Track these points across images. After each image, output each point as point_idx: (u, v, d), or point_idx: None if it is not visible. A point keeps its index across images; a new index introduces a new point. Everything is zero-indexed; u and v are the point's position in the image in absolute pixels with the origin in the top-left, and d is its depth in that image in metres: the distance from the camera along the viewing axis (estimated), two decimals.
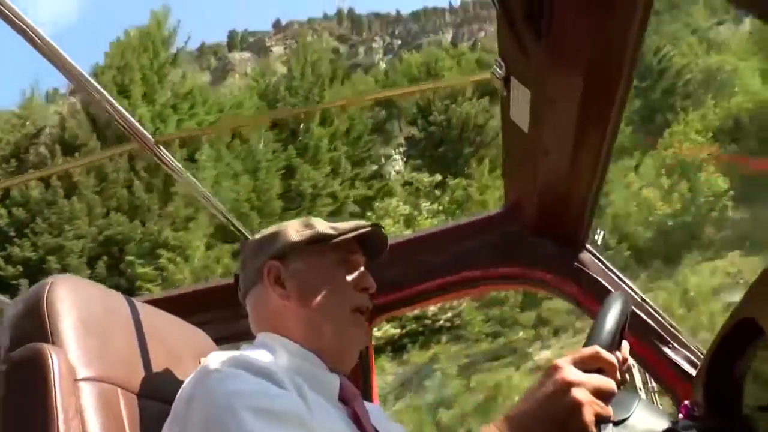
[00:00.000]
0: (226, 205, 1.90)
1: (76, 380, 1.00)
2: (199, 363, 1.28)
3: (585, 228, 1.81)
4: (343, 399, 1.11)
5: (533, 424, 0.82)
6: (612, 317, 0.94)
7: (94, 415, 1.00)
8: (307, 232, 1.19)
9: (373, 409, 1.22)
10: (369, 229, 1.21)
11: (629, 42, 1.20)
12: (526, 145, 1.53)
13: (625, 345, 1.13)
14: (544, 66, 1.24)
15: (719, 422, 0.97)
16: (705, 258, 18.15)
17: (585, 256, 1.84)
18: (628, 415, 0.94)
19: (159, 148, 1.53)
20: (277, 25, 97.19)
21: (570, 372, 0.83)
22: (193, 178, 1.72)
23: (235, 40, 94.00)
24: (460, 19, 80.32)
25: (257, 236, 1.25)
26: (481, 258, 1.91)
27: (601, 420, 0.81)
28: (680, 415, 1.14)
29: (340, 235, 1.18)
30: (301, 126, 24.34)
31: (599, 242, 1.93)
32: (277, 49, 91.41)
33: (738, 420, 0.93)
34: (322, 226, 1.20)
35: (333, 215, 21.69)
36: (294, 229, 1.20)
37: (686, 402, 1.28)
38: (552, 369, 0.85)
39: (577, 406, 0.80)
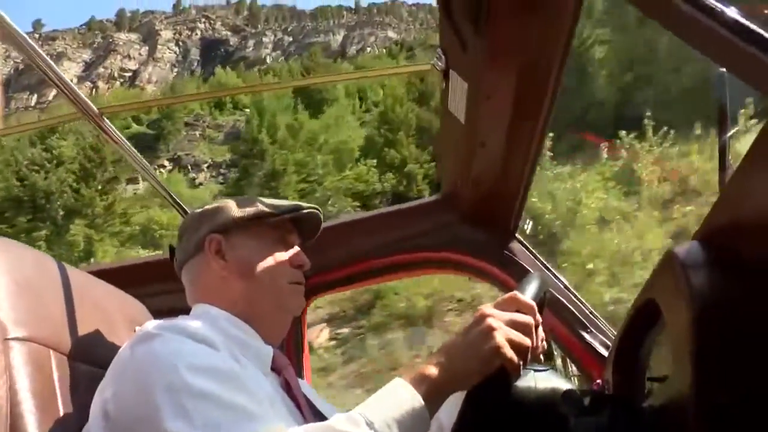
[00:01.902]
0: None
1: (6, 339, 1.00)
2: (134, 331, 1.31)
3: (515, 218, 1.90)
4: (275, 369, 1.17)
5: (455, 351, 0.93)
6: (533, 281, 1.05)
7: (24, 374, 0.99)
8: (250, 210, 1.22)
9: (305, 386, 1.27)
10: (308, 211, 1.27)
11: (561, 41, 1.28)
12: (462, 135, 1.60)
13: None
14: (482, 61, 1.30)
15: (623, 394, 1.07)
16: None
17: (515, 245, 1.93)
18: (546, 368, 1.03)
19: (103, 119, 1.52)
20: (176, 6, 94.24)
21: (487, 308, 0.96)
22: (135, 150, 1.72)
23: (123, 19, 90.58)
24: (355, 22, 79.96)
25: (198, 210, 1.28)
26: (414, 243, 1.98)
27: (520, 351, 0.92)
28: None
29: (280, 214, 1.23)
30: None
31: (528, 231, 2.03)
32: (166, 34, 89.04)
33: (640, 393, 1.02)
34: (263, 204, 1.24)
35: None
36: (236, 206, 1.24)
37: (598, 381, 1.38)
38: (476, 311, 0.98)
39: (489, 331, 0.92)
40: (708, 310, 0.74)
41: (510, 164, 1.67)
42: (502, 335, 0.91)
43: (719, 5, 0.78)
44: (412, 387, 0.90)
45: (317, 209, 1.30)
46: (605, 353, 1.70)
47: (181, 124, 43.29)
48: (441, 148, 1.85)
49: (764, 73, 0.71)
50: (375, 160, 29.40)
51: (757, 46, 0.73)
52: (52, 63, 1.33)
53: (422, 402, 0.89)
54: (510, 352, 0.90)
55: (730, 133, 0.95)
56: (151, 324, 1.01)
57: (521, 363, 0.92)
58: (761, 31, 0.73)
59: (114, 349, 1.01)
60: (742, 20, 0.75)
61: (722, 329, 0.73)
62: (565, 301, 1.81)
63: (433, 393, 0.91)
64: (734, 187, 0.78)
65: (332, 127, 33.14)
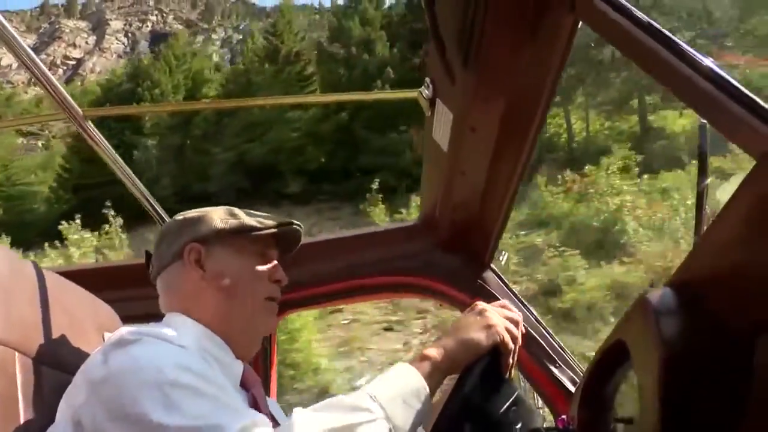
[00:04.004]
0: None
1: None
2: (103, 337, 1.29)
3: (491, 248, 1.91)
4: (244, 385, 1.15)
5: (453, 333, 1.06)
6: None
7: None
8: (233, 222, 1.22)
9: (272, 404, 1.26)
10: (290, 227, 1.27)
11: (548, 80, 1.30)
12: (444, 163, 1.61)
13: None
14: (469, 94, 1.32)
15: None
16: None
17: (488, 274, 1.94)
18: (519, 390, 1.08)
19: (86, 121, 1.51)
20: None
21: (481, 302, 1.11)
22: (118, 156, 1.71)
23: (74, 6, 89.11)
24: (309, 23, 78.79)
25: (179, 217, 1.27)
26: (390, 266, 1.98)
27: (510, 336, 1.06)
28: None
29: (263, 229, 1.22)
30: None
31: (502, 263, 2.04)
32: (116, 24, 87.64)
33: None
34: (246, 218, 1.24)
35: None
36: (219, 217, 1.23)
37: (563, 416, 1.38)
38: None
39: (483, 312, 1.07)
40: (676, 356, 0.75)
41: (489, 195, 1.69)
42: (497, 316, 1.06)
43: (702, 58, 0.80)
44: (413, 367, 1.00)
45: (299, 225, 1.30)
46: (572, 389, 1.71)
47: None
48: (422, 175, 1.86)
49: (741, 128, 0.73)
50: None
51: (734, 100, 0.75)
52: (39, 62, 1.31)
53: (423, 380, 0.99)
54: (503, 331, 1.04)
55: (707, 182, 0.97)
56: (126, 329, 1.00)
57: (513, 350, 1.05)
58: (741, 87, 0.75)
59: (81, 353, 1.00)
60: (724, 74, 0.77)
61: (689, 376, 0.74)
62: (535, 335, 1.82)
63: (434, 372, 1.01)
64: (710, 239, 0.80)
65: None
